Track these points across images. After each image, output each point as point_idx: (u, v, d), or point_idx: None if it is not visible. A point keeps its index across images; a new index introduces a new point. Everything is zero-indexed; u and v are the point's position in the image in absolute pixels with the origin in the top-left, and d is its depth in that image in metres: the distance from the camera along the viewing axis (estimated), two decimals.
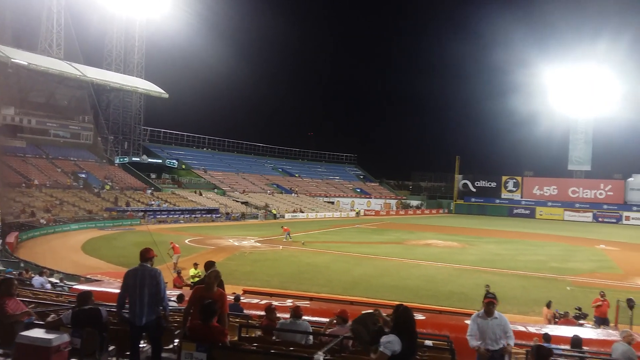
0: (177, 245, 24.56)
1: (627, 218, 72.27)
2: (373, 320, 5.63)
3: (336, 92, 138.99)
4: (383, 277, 23.41)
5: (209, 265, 8.46)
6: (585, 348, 9.99)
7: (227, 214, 56.67)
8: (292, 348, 7.26)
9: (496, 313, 6.70)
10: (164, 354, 7.01)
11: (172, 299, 12.00)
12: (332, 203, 77.97)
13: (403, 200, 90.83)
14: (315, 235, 41.36)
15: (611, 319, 15.31)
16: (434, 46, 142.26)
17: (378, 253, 31.45)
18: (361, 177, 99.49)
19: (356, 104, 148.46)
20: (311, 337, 8.18)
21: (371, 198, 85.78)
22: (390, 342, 4.65)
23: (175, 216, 51.50)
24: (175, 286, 18.10)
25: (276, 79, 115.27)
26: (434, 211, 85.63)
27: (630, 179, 76.03)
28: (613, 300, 15.44)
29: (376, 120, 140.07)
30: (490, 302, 6.71)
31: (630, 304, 14.53)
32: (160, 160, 67.61)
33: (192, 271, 19.27)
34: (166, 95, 62.54)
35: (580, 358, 9.50)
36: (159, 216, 49.97)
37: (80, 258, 27.11)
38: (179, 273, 19.19)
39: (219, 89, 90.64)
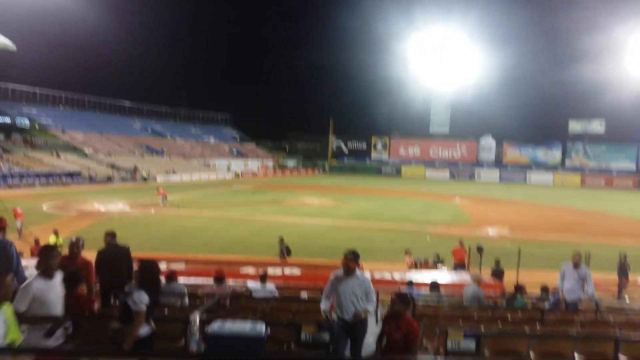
0: (19, 210, 22.55)
1: (479, 175, 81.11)
2: None
3: (210, 49, 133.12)
4: (260, 236, 23.63)
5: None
6: (442, 290, 11.13)
7: (91, 177, 52.39)
8: (166, 310, 7.05)
9: (358, 273, 6.03)
10: (23, 326, 6.39)
11: (30, 268, 10.91)
12: (208, 165, 76.05)
13: (280, 161, 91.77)
14: (190, 198, 40.16)
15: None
16: (311, 8, 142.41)
17: (255, 213, 31.58)
18: (237, 137, 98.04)
19: (231, 63, 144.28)
20: (187, 299, 8.02)
21: (248, 159, 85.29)
22: (140, 299, 4.70)
23: (30, 181, 46.38)
24: (34, 255, 16.63)
25: (144, 32, 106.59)
26: (309, 171, 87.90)
27: (482, 140, 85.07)
28: (468, 247, 17.37)
29: (252, 79, 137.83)
30: (348, 263, 5.97)
31: (480, 250, 16.47)
32: (8, 119, 59.71)
33: (52, 239, 17.68)
34: (14, 49, 54.60)
35: (438, 299, 10.57)
36: (9, 181, 44.58)
37: None
38: (37, 241, 17.51)
39: (78, 42, 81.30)
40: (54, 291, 4.69)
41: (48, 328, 4.44)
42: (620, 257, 15.22)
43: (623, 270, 15.05)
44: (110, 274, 7.36)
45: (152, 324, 4.90)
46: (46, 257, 4.85)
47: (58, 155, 56.51)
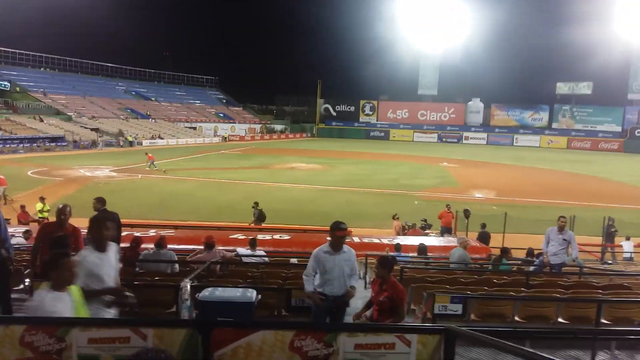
0: (1, 177, 22.22)
1: (467, 138, 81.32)
2: None
3: (194, 9, 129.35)
4: (249, 201, 23.52)
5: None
6: (429, 254, 11.30)
7: (75, 142, 51.56)
8: (157, 278, 7.08)
9: (345, 247, 5.36)
10: (14, 295, 6.43)
11: (17, 235, 10.87)
12: (194, 128, 75.16)
13: (267, 125, 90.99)
14: (177, 163, 39.85)
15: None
16: None
17: (243, 178, 31.50)
18: (224, 101, 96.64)
19: (216, 24, 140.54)
20: (177, 265, 8.04)
21: (235, 123, 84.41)
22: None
23: (13, 145, 45.63)
24: (21, 222, 16.63)
25: None
26: (297, 135, 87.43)
27: (470, 103, 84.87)
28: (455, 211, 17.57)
29: (238, 41, 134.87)
30: (343, 235, 5.35)
31: (467, 213, 16.70)
32: None
33: (38, 205, 17.56)
34: None
35: (425, 263, 10.75)
36: None
37: None
38: (23, 208, 17.40)
39: (58, 2, 78.30)
40: (108, 264, 4.30)
41: (109, 300, 4.21)
42: (606, 221, 15.51)
43: (610, 235, 15.36)
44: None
45: None
46: (98, 228, 4.41)
47: (41, 120, 55.39)
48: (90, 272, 4.14)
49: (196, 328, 2.96)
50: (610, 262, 13.96)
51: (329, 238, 5.44)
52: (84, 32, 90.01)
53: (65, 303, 3.48)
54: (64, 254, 3.82)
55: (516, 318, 6.28)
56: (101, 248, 4.30)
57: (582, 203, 24.44)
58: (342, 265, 5.29)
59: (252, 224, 17.58)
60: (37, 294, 3.52)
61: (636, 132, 71.35)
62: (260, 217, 17.91)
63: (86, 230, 4.80)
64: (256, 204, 18.33)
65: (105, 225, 4.43)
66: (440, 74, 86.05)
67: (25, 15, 74.42)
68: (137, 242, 8.53)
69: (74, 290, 3.64)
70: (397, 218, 17.82)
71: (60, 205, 6.32)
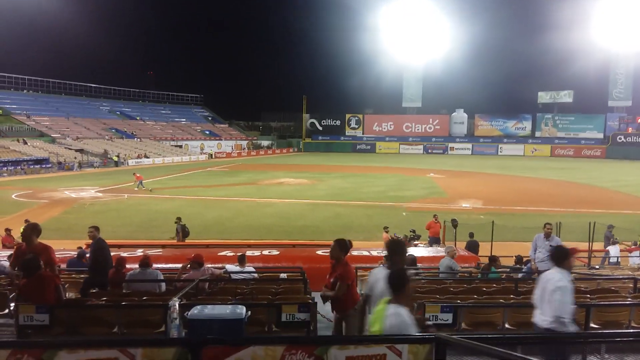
0: None
1: (452, 149, 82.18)
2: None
3: (177, 27, 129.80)
4: (237, 218, 23.53)
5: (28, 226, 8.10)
6: (419, 265, 11.31)
7: (60, 163, 51.02)
8: (145, 297, 6.99)
9: None
10: None
11: (2, 260, 10.67)
12: (180, 147, 74.91)
13: (254, 141, 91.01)
14: (164, 181, 39.59)
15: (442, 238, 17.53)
16: None
17: (231, 195, 31.37)
18: (209, 118, 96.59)
19: (199, 42, 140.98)
20: (164, 284, 7.96)
21: (221, 140, 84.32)
22: None
23: None
24: (5, 246, 16.30)
25: (106, 12, 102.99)
26: (284, 150, 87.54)
27: (454, 114, 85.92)
28: (443, 221, 17.64)
29: (222, 59, 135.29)
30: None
31: (454, 223, 16.78)
32: None
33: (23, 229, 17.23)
34: None
35: (416, 274, 10.75)
36: None
37: None
38: (8, 231, 17.09)
39: (39, 23, 78.04)
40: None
41: None
42: (592, 226, 15.65)
43: (608, 240, 15.51)
44: (103, 268, 7.84)
45: None
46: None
47: (25, 142, 54.78)
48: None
49: (186, 346, 2.93)
50: (597, 266, 14.09)
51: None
52: (66, 53, 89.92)
53: None
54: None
55: (507, 325, 6.30)
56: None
57: (568, 210, 24.74)
58: None
59: (176, 240, 17.34)
60: (398, 311, 3.62)
61: (618, 138, 72.66)
62: (184, 232, 17.70)
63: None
64: (179, 219, 18.22)
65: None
66: (424, 86, 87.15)
67: (7, 37, 74.08)
68: (120, 263, 8.42)
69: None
70: (388, 230, 17.82)
71: (25, 224, 6.33)
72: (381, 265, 5.94)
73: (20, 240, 16.82)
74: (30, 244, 6.06)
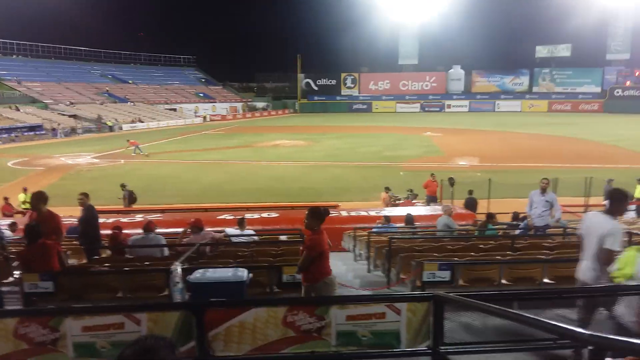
0: None
1: (449, 106, 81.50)
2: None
3: None
4: (234, 181, 23.58)
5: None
6: (416, 223, 11.44)
7: (54, 129, 50.55)
8: (147, 263, 7.08)
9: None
10: (4, 288, 6.42)
11: (3, 228, 10.75)
12: (175, 110, 74.09)
13: (249, 103, 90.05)
14: (160, 146, 39.39)
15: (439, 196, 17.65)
16: None
17: (227, 158, 31.31)
18: (203, 80, 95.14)
19: (191, 1, 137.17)
20: (166, 249, 8.05)
21: (216, 102, 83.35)
22: None
23: None
24: (5, 214, 16.43)
25: None
26: (280, 112, 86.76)
27: (450, 70, 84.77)
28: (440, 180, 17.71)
29: (214, 18, 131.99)
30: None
31: (451, 181, 16.85)
32: None
33: (21, 196, 17.34)
34: None
35: (413, 232, 10.89)
36: None
37: None
38: (6, 200, 17.18)
39: None
40: None
41: None
42: (588, 181, 15.76)
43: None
44: (94, 231, 7.97)
45: None
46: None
47: (17, 109, 54.09)
48: None
49: (189, 310, 3.00)
50: None
51: None
52: (55, 17, 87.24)
53: None
54: None
55: (503, 281, 6.43)
56: None
57: (564, 165, 24.84)
58: None
59: (123, 206, 17.32)
60: None
61: (615, 92, 72.15)
62: (130, 198, 17.67)
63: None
64: (123, 185, 18.17)
65: None
66: (420, 43, 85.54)
67: None
68: (118, 231, 8.53)
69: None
70: (389, 190, 17.85)
71: (33, 193, 6.37)
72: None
73: (19, 208, 16.98)
74: (40, 213, 6.11)
